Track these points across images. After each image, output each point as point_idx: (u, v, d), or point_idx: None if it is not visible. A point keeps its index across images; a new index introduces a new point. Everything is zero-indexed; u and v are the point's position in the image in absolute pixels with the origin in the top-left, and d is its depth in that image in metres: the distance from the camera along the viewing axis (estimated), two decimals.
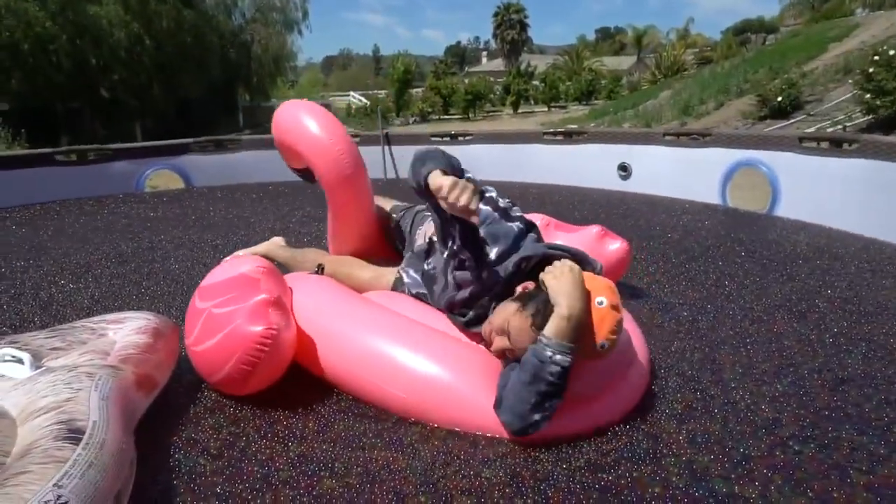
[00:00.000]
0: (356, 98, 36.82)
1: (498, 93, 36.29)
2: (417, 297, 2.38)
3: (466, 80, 37.71)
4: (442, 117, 32.39)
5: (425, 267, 2.35)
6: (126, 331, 2.15)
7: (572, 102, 35.39)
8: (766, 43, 30.47)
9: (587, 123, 20.80)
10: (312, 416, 2.01)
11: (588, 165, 6.14)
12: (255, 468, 1.73)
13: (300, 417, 2.00)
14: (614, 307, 1.74)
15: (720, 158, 5.27)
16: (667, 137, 5.79)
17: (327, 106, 34.01)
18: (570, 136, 6.40)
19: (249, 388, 2.03)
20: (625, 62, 48.43)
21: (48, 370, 1.84)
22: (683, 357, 2.39)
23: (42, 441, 1.49)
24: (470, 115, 32.61)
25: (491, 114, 34.36)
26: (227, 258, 2.67)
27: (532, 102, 36.46)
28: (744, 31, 43.27)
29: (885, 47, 12.23)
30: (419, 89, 36.21)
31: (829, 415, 1.96)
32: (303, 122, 2.66)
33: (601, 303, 1.73)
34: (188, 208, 5.62)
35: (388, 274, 2.55)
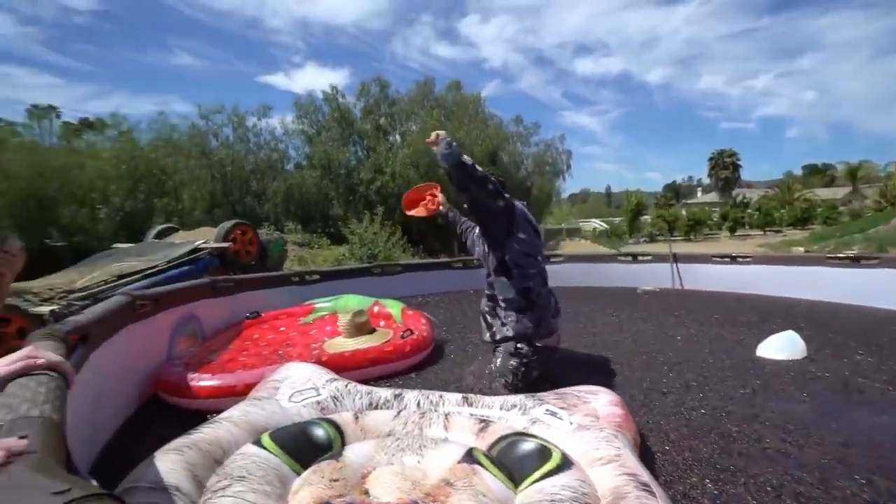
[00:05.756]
0: (598, 223, 36.47)
1: (714, 219, 32.95)
2: None
3: (683, 211, 35.06)
4: (667, 238, 30.30)
5: None
6: (602, 402, 2.17)
7: (787, 227, 30.44)
8: None
9: (811, 246, 17.55)
10: None
11: (879, 288, 4.96)
12: None
13: None
14: None
15: None
16: None
17: (577, 229, 33.83)
18: (857, 261, 5.29)
19: None
20: (838, 192, 40.42)
21: (581, 426, 1.92)
22: None
23: (629, 490, 1.48)
24: (691, 238, 29.87)
25: (709, 236, 31.09)
26: None
27: (746, 227, 32.23)
28: None
29: None
30: (645, 217, 34.59)
31: None
32: None
33: None
34: None
35: None
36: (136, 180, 15.69)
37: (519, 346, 2.70)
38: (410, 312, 4.10)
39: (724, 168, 43.03)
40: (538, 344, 2.73)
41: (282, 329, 4.05)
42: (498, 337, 2.77)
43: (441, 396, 2.22)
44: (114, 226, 14.66)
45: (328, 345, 3.58)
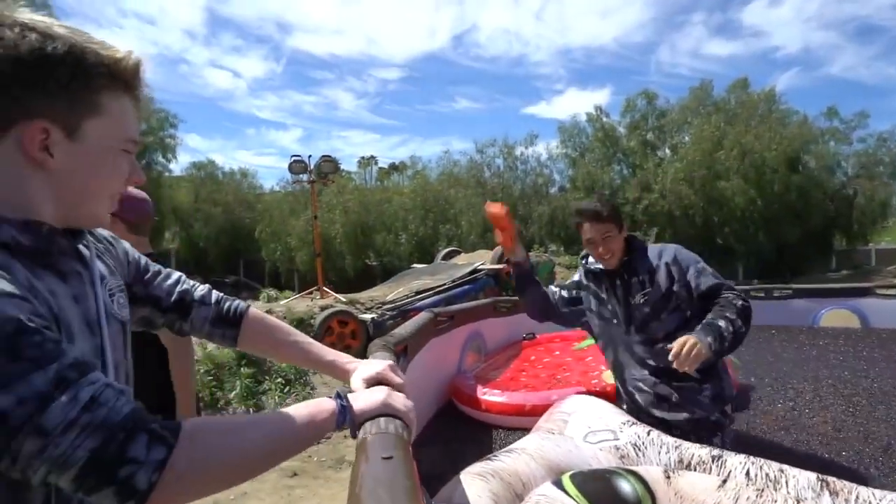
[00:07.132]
0: None
1: None
2: None
3: None
4: None
5: None
6: None
7: None
8: None
9: None
10: None
11: None
12: None
13: None
14: None
15: None
16: None
17: None
18: None
19: None
20: None
21: None
22: None
23: None
24: None
25: None
26: None
27: None
28: None
29: None
30: None
31: None
32: None
33: None
34: (864, 347, 4.33)
35: None
36: (426, 210, 18.63)
37: (713, 418, 1.91)
38: None
39: None
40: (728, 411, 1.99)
41: (556, 353, 3.95)
42: (677, 419, 1.93)
43: (783, 471, 1.67)
44: (410, 248, 17.70)
45: (608, 375, 3.29)
